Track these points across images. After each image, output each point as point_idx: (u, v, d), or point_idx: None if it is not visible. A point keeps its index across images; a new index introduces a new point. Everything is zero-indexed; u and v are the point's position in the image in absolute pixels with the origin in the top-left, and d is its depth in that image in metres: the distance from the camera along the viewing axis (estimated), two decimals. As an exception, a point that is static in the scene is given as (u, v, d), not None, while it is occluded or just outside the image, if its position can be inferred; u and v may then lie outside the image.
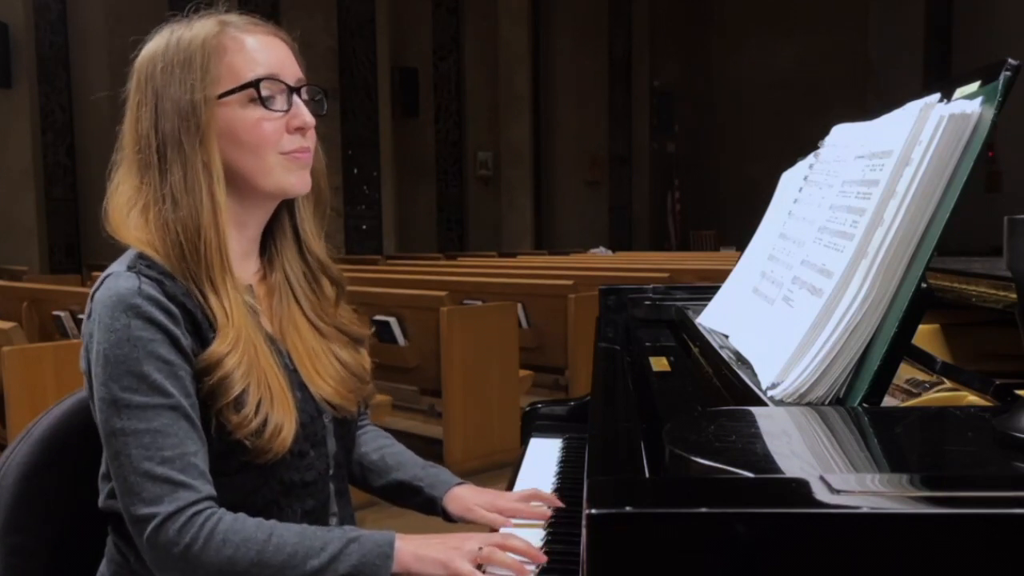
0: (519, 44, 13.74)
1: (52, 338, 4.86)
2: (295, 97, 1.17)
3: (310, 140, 1.19)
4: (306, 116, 1.17)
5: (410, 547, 1.07)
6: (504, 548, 1.08)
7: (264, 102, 1.14)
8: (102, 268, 1.17)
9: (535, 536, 1.17)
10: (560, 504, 1.25)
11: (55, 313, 4.91)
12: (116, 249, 1.16)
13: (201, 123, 1.11)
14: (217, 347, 1.09)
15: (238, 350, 1.10)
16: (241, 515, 1.07)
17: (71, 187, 10.03)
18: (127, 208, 1.14)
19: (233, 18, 1.18)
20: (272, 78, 1.15)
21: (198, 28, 1.15)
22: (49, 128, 9.82)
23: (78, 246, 10.09)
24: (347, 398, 1.23)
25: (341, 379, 1.23)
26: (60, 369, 3.24)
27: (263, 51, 1.16)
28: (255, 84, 1.13)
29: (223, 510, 1.06)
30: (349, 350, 1.27)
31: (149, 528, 1.03)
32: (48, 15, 9.75)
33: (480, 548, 1.07)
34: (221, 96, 1.13)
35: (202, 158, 1.12)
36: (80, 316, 4.68)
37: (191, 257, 1.11)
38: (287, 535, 1.06)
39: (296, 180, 1.18)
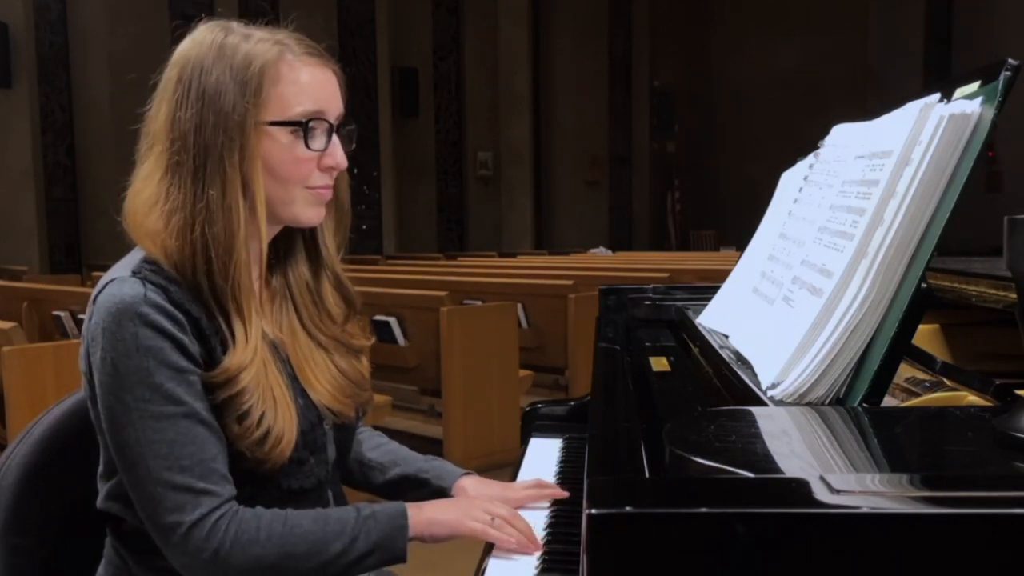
0: (519, 44, 13.73)
1: (52, 338, 4.86)
2: (334, 136, 1.17)
3: (334, 177, 1.19)
4: (340, 159, 1.18)
5: (421, 515, 1.14)
6: (509, 525, 1.15)
7: (307, 139, 1.13)
8: (102, 268, 1.17)
9: (537, 520, 1.21)
10: (565, 494, 1.28)
11: (55, 313, 4.91)
12: (115, 250, 1.15)
13: (248, 144, 1.10)
14: (235, 362, 1.09)
15: (253, 367, 1.10)
16: (259, 509, 1.10)
17: (71, 187, 10.02)
18: (147, 208, 1.12)
19: (292, 42, 1.15)
20: (317, 116, 1.14)
21: (256, 45, 1.12)
22: (49, 128, 9.82)
23: (78, 246, 10.09)
24: (345, 404, 1.23)
25: (339, 386, 1.23)
26: (60, 369, 3.23)
27: (315, 86, 1.15)
28: (303, 124, 1.13)
29: (243, 508, 1.08)
30: (348, 359, 1.27)
31: (176, 536, 1.05)
32: (48, 15, 9.74)
33: (492, 519, 1.14)
34: (269, 124, 1.12)
35: (242, 178, 1.10)
36: (80, 316, 4.68)
37: (219, 273, 1.09)
38: (306, 523, 1.10)
39: (313, 214, 1.18)
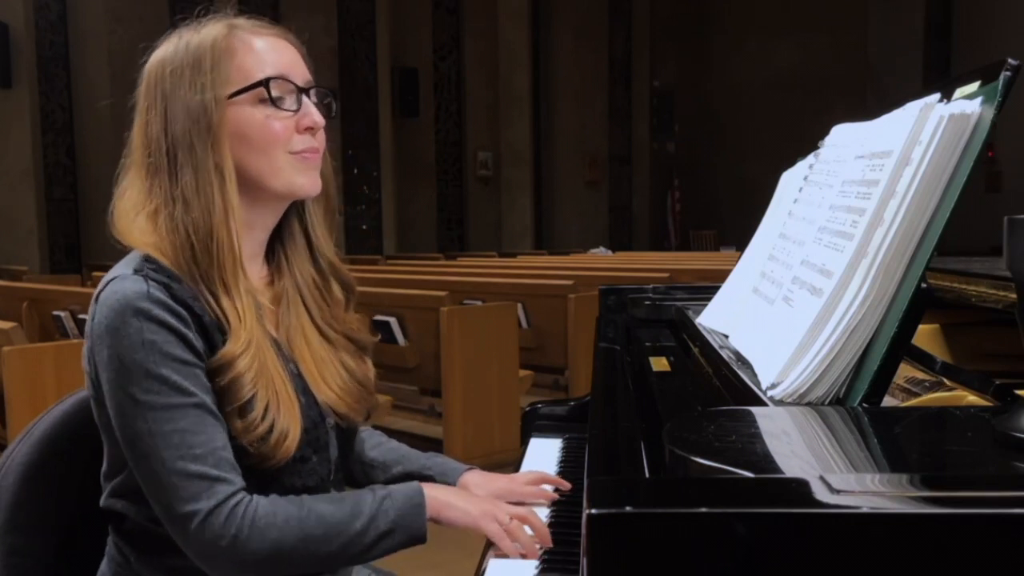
0: (519, 44, 13.72)
1: (52, 338, 4.86)
2: (304, 98, 1.16)
3: (319, 141, 1.19)
4: (316, 116, 1.17)
5: (437, 495, 1.14)
6: (526, 523, 1.14)
7: (274, 102, 1.14)
8: (102, 268, 1.18)
9: (540, 514, 1.21)
10: (567, 485, 1.29)
11: (55, 313, 4.90)
12: (117, 249, 1.16)
13: (212, 124, 1.11)
14: (230, 348, 1.09)
15: (249, 352, 1.10)
16: (274, 496, 1.09)
17: (71, 187, 10.02)
18: (134, 212, 1.13)
19: (241, 21, 1.17)
20: (282, 78, 1.14)
21: (206, 31, 1.14)
22: (49, 128, 9.81)
23: (78, 246, 10.08)
24: (353, 408, 1.23)
25: (347, 389, 1.23)
26: (60, 369, 3.24)
27: (272, 52, 1.16)
28: (265, 83, 1.13)
29: (257, 496, 1.08)
30: (356, 359, 1.27)
31: (193, 524, 1.04)
32: (48, 15, 9.74)
33: (511, 520, 1.13)
34: (231, 96, 1.12)
35: (213, 159, 1.11)
36: (81, 316, 4.68)
37: (203, 258, 1.10)
38: (322, 506, 1.09)
39: (306, 181, 1.17)
